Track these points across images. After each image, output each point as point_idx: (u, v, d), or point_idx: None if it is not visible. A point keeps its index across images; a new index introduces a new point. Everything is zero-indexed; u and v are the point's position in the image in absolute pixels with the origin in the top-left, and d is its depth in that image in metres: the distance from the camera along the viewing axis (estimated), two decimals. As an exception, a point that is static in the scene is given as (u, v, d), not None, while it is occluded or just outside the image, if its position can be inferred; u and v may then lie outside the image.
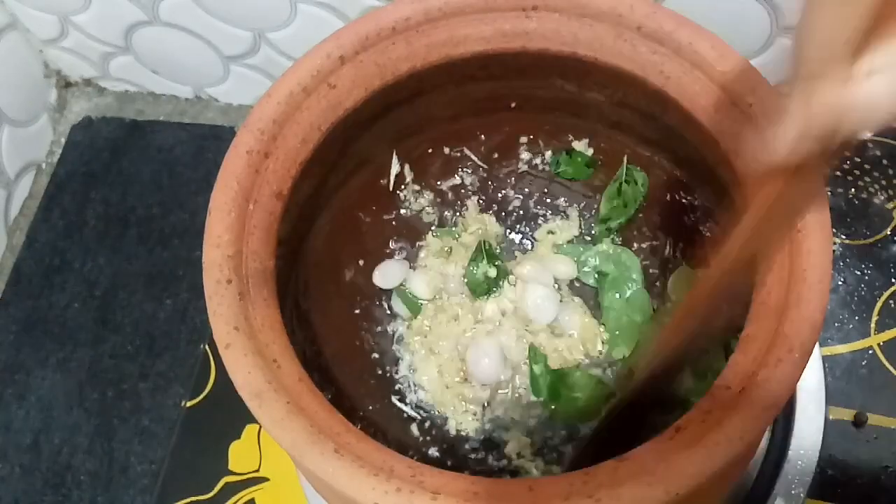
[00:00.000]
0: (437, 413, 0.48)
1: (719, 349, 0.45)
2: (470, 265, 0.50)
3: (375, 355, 0.49)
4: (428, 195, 0.52)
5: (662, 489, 0.30)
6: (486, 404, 0.48)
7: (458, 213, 0.53)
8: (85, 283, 0.67)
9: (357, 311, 0.50)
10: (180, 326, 0.64)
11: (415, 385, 0.49)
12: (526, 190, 0.53)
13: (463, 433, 0.48)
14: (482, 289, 0.50)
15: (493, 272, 0.50)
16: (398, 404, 0.48)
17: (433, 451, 0.47)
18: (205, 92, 0.75)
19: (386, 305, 0.51)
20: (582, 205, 0.52)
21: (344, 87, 0.42)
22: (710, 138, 0.40)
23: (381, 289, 0.51)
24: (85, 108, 0.77)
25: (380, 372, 0.49)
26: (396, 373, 0.49)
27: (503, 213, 0.53)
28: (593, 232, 0.51)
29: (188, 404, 0.57)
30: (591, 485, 0.31)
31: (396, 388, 0.49)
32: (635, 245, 0.51)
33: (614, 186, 0.50)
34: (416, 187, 0.51)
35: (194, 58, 0.71)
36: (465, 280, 0.50)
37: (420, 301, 0.50)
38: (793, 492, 0.48)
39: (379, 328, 0.50)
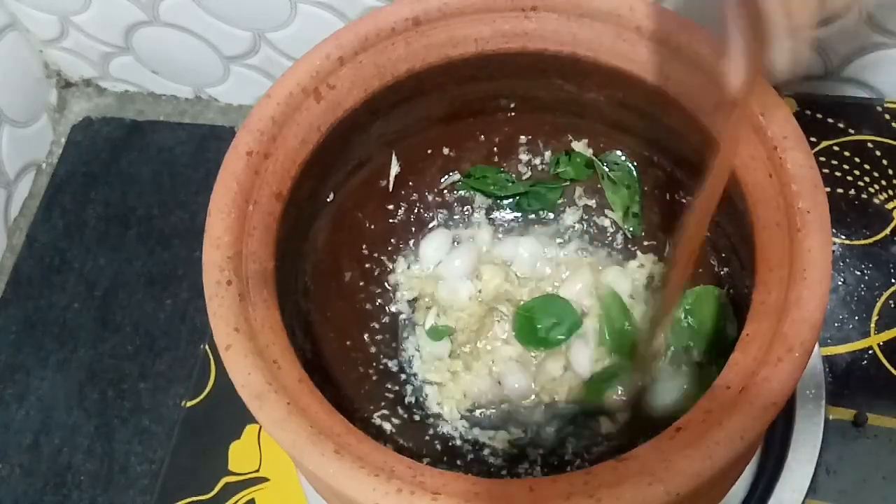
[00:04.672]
0: (438, 413, 0.48)
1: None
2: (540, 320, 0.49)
3: (375, 356, 0.49)
4: (428, 195, 0.52)
5: (663, 489, 0.30)
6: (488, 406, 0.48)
7: (456, 214, 0.53)
8: (85, 283, 0.67)
9: (357, 312, 0.50)
10: (180, 326, 0.64)
11: (416, 385, 0.49)
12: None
13: (462, 433, 0.48)
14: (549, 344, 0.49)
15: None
16: (399, 405, 0.48)
17: (433, 452, 0.47)
18: (205, 92, 0.75)
19: (386, 307, 0.51)
20: (582, 205, 0.52)
21: (343, 87, 0.42)
22: (709, 138, 0.40)
23: (381, 291, 0.51)
24: (85, 108, 0.77)
25: (381, 371, 0.49)
26: (397, 373, 0.49)
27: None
28: (630, 228, 0.51)
29: (188, 404, 0.57)
30: (592, 485, 0.31)
31: (397, 388, 0.49)
32: (635, 245, 0.51)
33: (605, 182, 0.50)
34: (416, 188, 0.51)
35: (194, 58, 0.71)
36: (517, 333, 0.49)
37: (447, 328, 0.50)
38: (792, 492, 0.48)
39: (379, 329, 0.50)
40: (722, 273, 0.46)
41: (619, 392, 0.47)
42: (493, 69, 0.44)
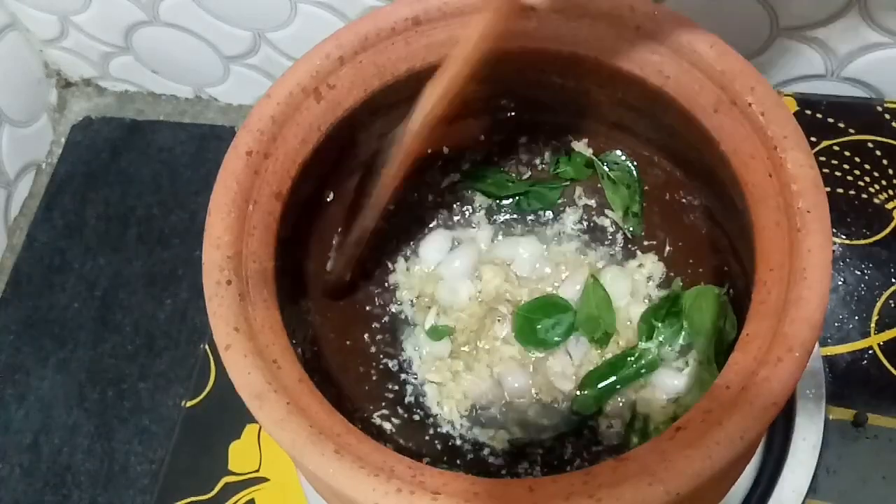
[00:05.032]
0: (437, 413, 0.48)
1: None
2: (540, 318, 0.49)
3: (375, 356, 0.49)
4: (428, 195, 0.52)
5: (663, 489, 0.30)
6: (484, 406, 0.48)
7: (456, 214, 0.53)
8: (85, 283, 0.67)
9: (357, 312, 0.50)
10: (180, 326, 0.64)
11: (416, 385, 0.49)
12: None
13: (462, 433, 0.48)
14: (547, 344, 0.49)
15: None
16: (399, 404, 0.48)
17: (433, 451, 0.47)
18: (205, 92, 0.75)
19: (387, 307, 0.51)
20: (582, 205, 0.52)
21: (343, 87, 0.42)
22: (709, 138, 0.40)
23: (381, 291, 0.51)
24: (85, 108, 0.77)
25: (381, 371, 0.49)
26: (398, 373, 0.49)
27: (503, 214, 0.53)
28: (630, 228, 0.51)
29: (188, 404, 0.57)
30: (592, 485, 0.31)
31: (397, 388, 0.49)
32: (635, 245, 0.51)
33: (605, 182, 0.50)
34: (416, 187, 0.51)
35: (194, 58, 0.71)
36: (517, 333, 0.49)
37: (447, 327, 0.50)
38: (792, 492, 0.48)
39: (379, 329, 0.50)
40: (722, 273, 0.46)
41: (620, 401, 0.47)
42: (493, 69, 0.44)
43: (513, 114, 0.49)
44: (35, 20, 0.71)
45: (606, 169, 0.50)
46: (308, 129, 0.41)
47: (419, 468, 0.32)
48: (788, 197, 0.36)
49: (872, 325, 0.54)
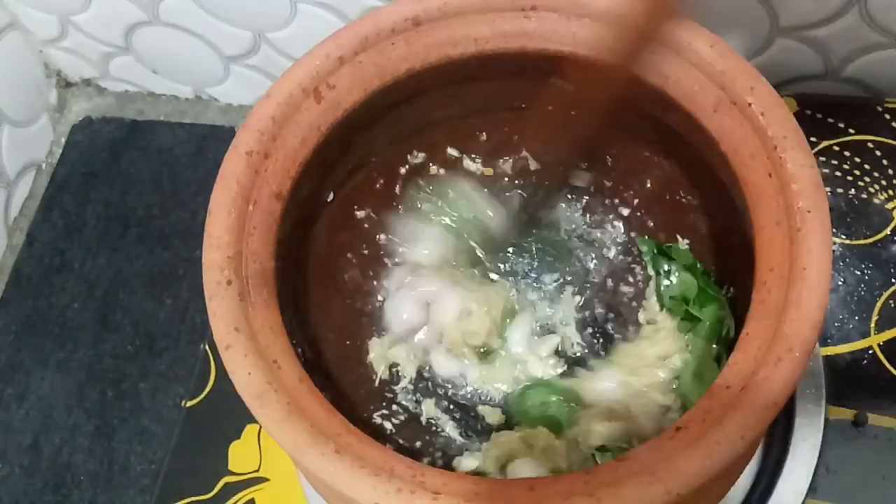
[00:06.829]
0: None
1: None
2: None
3: (375, 355, 0.49)
4: (427, 195, 0.52)
5: (663, 489, 0.30)
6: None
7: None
8: (85, 283, 0.67)
9: (357, 312, 0.50)
10: (180, 326, 0.64)
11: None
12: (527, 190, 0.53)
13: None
14: None
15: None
16: (399, 405, 0.48)
17: (433, 451, 0.47)
18: (205, 92, 0.75)
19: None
20: (583, 203, 0.52)
21: (343, 87, 0.42)
22: (709, 138, 0.40)
23: (382, 290, 0.51)
24: (85, 108, 0.77)
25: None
26: (397, 373, 0.49)
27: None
28: None
29: (188, 404, 0.57)
30: (592, 484, 0.31)
31: (397, 388, 0.49)
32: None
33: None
34: (416, 187, 0.51)
35: (194, 58, 0.71)
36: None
37: None
38: (792, 492, 0.48)
39: (379, 329, 0.50)
40: (721, 273, 0.46)
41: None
42: (493, 69, 0.44)
43: (513, 113, 0.49)
44: (35, 20, 0.71)
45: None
46: (308, 129, 0.41)
47: (419, 468, 0.32)
48: (788, 197, 0.36)
49: (872, 325, 0.54)
